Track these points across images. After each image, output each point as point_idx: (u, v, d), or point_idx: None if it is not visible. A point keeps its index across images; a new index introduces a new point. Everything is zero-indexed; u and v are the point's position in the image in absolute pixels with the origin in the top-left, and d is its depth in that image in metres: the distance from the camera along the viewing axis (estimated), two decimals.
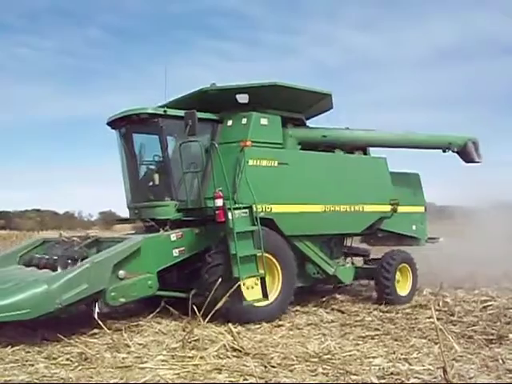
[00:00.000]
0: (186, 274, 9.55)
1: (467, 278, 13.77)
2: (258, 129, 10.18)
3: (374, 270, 11.46)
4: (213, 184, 9.35)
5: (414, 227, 12.59)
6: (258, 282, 9.07)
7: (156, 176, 10.10)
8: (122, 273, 8.28)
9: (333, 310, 10.27)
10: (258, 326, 8.79)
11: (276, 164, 10.05)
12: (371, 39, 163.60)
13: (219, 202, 9.03)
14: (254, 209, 9.19)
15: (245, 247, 8.93)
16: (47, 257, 9.28)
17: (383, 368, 6.27)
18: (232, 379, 5.89)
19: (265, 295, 9.09)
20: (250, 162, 9.68)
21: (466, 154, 13.23)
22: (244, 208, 9.17)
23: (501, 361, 6.50)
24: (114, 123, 10.52)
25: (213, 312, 7.76)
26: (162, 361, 6.60)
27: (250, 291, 9.00)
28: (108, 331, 7.50)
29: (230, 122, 10.34)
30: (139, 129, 10.34)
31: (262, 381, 5.79)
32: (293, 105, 10.97)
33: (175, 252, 9.21)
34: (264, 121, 10.32)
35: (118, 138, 10.71)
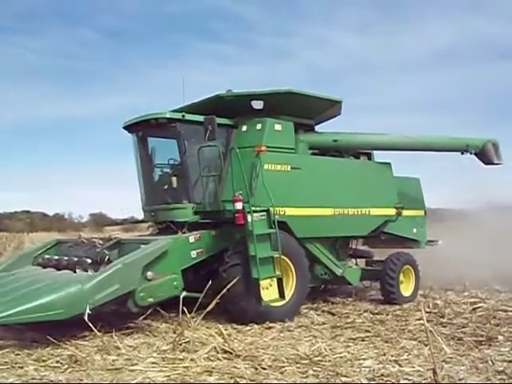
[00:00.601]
0: (202, 276, 9.55)
1: (457, 280, 13.82)
2: (273, 134, 10.47)
3: (379, 271, 11.81)
4: (231, 187, 9.56)
5: (414, 230, 12.88)
6: (274, 283, 9.27)
7: (174, 179, 10.27)
8: (150, 274, 8.46)
9: (323, 312, 10.28)
10: (248, 327, 8.80)
11: (289, 168, 10.34)
12: (366, 42, 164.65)
13: (239, 206, 9.25)
14: (272, 212, 9.44)
15: (263, 249, 9.17)
16: (66, 258, 9.64)
17: (373, 370, 6.29)
18: (222, 381, 5.89)
19: (282, 295, 9.29)
20: (266, 167, 9.93)
21: (484, 155, 13.19)
22: (262, 211, 9.41)
23: (490, 362, 6.53)
24: (131, 127, 10.77)
25: (203, 314, 7.77)
26: (153, 363, 6.59)
27: (266, 292, 9.17)
28: (98, 333, 7.47)
29: (244, 128, 10.63)
30: (157, 133, 10.61)
31: (253, 383, 5.79)
32: (305, 111, 11.33)
33: (193, 253, 9.40)
34: (278, 126, 10.62)
35: (135, 142, 10.96)
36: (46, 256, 10.40)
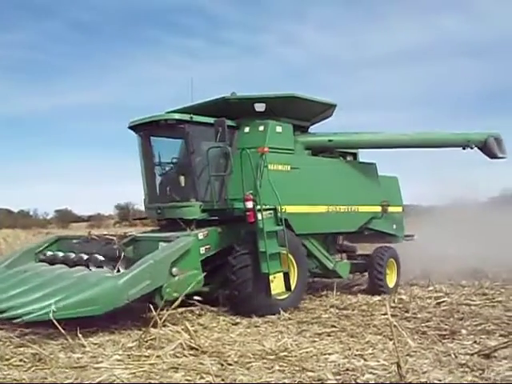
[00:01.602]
0: (208, 271, 9.66)
1: (422, 274, 14.00)
2: (274, 136, 11.00)
3: (366, 264, 12.55)
4: (239, 187, 10.10)
5: (394, 226, 13.48)
6: (277, 277, 9.63)
7: (182, 178, 10.63)
8: (174, 270, 8.74)
9: (290, 307, 10.30)
10: (214, 324, 8.80)
11: (289, 168, 10.90)
12: (336, 39, 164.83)
13: (250, 204, 9.73)
14: (278, 210, 9.93)
15: (271, 245, 9.60)
16: (73, 255, 10.12)
17: (339, 364, 6.34)
18: (188, 378, 5.88)
19: (288, 288, 9.73)
20: (269, 167, 10.32)
21: (488, 150, 13.39)
22: (269, 209, 9.88)
23: (453, 355, 6.61)
24: (137, 127, 11.05)
25: (169, 311, 7.74)
26: (118, 360, 6.55)
27: (271, 285, 9.56)
28: (63, 331, 7.39)
29: (247, 129, 11.09)
30: (165, 133, 10.99)
31: (219, 379, 5.79)
32: (303, 114, 12.02)
33: (202, 250, 9.64)
34: (279, 128, 11.17)
35: (141, 142, 11.25)
36: (49, 252, 10.80)
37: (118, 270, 9.21)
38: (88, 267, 9.59)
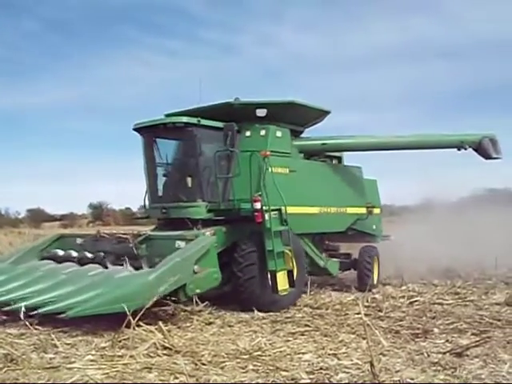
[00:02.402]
0: None
1: (395, 274, 14.11)
2: (274, 140, 11.55)
3: (354, 262, 13.28)
4: (246, 188, 10.55)
5: (374, 227, 14.09)
6: (283, 274, 10.14)
7: (189, 179, 10.93)
8: (196, 267, 8.96)
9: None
10: (188, 324, 8.77)
11: (287, 171, 11.45)
12: (313, 40, 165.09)
13: (258, 205, 10.17)
14: (283, 210, 10.45)
15: (278, 244, 10.08)
16: (86, 253, 10.26)
17: (312, 363, 6.36)
18: (162, 378, 5.85)
19: (292, 285, 10.21)
20: (270, 170, 10.65)
21: (482, 150, 13.52)
22: (275, 210, 10.37)
23: (426, 354, 6.68)
24: (143, 130, 11.37)
25: (143, 310, 7.69)
26: (91, 360, 6.48)
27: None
28: (35, 331, 7.33)
29: (248, 133, 11.56)
30: (172, 136, 11.38)
31: (193, 379, 5.76)
32: (300, 119, 12.69)
33: None
34: (279, 133, 11.74)
35: (146, 144, 11.57)
36: (53, 250, 10.93)
37: (137, 268, 9.38)
38: (102, 265, 9.75)
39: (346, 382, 5.67)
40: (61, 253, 10.74)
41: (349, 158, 14.40)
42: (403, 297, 11.17)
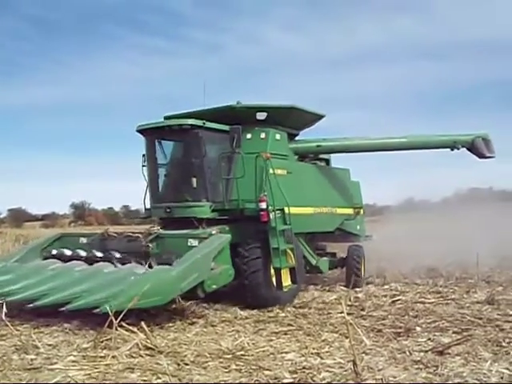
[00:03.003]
0: None
1: (378, 273, 14.18)
2: (274, 143, 12.01)
3: (344, 260, 13.66)
4: (250, 189, 10.96)
5: (358, 227, 14.37)
6: (286, 271, 10.57)
7: (194, 180, 11.16)
8: (213, 264, 9.25)
9: (247, 306, 10.30)
10: (171, 324, 8.75)
11: (285, 173, 11.76)
12: (296, 39, 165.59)
13: (264, 205, 10.56)
14: (286, 210, 10.84)
15: (282, 242, 10.48)
16: (96, 252, 10.47)
17: (295, 363, 6.37)
18: (144, 378, 5.83)
19: (294, 281, 10.68)
20: (271, 171, 11.01)
21: (476, 150, 13.67)
22: (279, 210, 10.73)
23: (408, 353, 6.72)
24: (147, 131, 11.67)
25: (125, 310, 7.66)
26: (73, 361, 6.46)
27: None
28: (16, 332, 7.27)
29: (248, 135, 11.85)
30: (177, 138, 11.73)
31: (175, 379, 5.75)
32: (297, 123, 13.18)
33: None
34: (278, 136, 12.22)
35: (150, 145, 11.88)
36: (54, 250, 11.10)
37: (150, 266, 9.55)
38: (113, 263, 9.98)
39: (329, 380, 5.67)
40: (67, 252, 10.91)
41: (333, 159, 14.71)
42: (386, 296, 11.23)
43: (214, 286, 9.20)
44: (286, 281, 10.55)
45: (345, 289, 12.30)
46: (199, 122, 11.04)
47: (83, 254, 10.67)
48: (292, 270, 10.67)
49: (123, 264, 9.89)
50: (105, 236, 10.91)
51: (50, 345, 7.31)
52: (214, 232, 10.14)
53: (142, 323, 7.69)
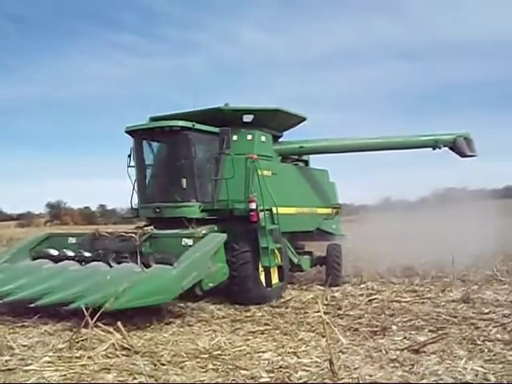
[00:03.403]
0: None
1: (354, 273, 14.24)
2: (260, 144, 12.30)
3: (323, 259, 13.85)
4: (238, 189, 11.27)
5: (334, 226, 14.56)
6: (274, 269, 11.09)
7: (183, 180, 11.29)
8: (210, 263, 9.42)
9: (224, 306, 10.29)
10: (147, 324, 8.70)
11: (270, 174, 11.97)
12: (273, 39, 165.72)
13: (253, 205, 10.94)
14: (274, 210, 11.29)
15: (271, 242, 10.87)
16: (87, 252, 10.53)
17: (272, 362, 6.38)
18: (121, 378, 5.81)
19: (281, 279, 11.31)
20: (259, 172, 11.33)
21: (457, 149, 13.84)
22: (267, 210, 11.12)
23: (384, 351, 6.76)
24: (136, 132, 11.80)
25: (100, 312, 7.62)
26: (48, 362, 6.40)
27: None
28: None
29: (235, 137, 12.02)
30: (166, 139, 11.79)
31: (152, 379, 5.74)
32: (281, 125, 13.48)
33: None
34: (263, 138, 12.53)
35: (138, 146, 12.00)
36: (47, 249, 10.97)
37: (147, 266, 9.55)
38: (105, 263, 10.00)
39: (306, 380, 5.69)
40: (57, 252, 10.84)
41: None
42: (362, 295, 11.28)
43: (211, 284, 9.36)
44: (275, 279, 11.04)
45: (322, 288, 12.33)
46: (189, 124, 11.19)
47: (73, 253, 10.65)
48: (280, 269, 11.16)
49: (118, 263, 9.91)
50: (96, 236, 10.91)
51: (24, 345, 7.24)
52: (204, 232, 10.32)
53: (119, 323, 7.64)
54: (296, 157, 14.27)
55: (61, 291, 8.85)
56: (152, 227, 10.94)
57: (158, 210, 11.45)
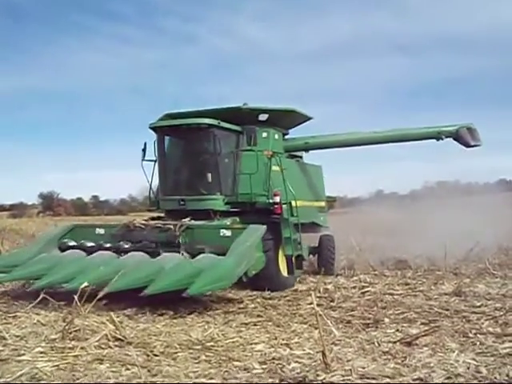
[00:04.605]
0: None
1: (347, 265, 14.27)
2: (274, 142, 13.15)
3: (317, 248, 14.24)
4: (264, 183, 12.09)
5: (322, 218, 14.92)
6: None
7: (209, 175, 11.97)
8: (255, 252, 10.07)
9: (217, 297, 10.30)
10: (140, 315, 8.72)
11: (283, 169, 12.44)
12: (269, 32, 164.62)
13: (278, 199, 11.75)
14: (292, 204, 12.15)
15: (293, 232, 11.78)
16: (125, 243, 10.81)
17: (265, 353, 6.40)
18: (113, 369, 5.81)
19: (300, 267, 12.17)
20: (274, 168, 12.17)
21: (461, 139, 14.10)
22: (287, 203, 11.98)
23: (376, 343, 6.78)
24: (162, 128, 12.44)
25: (94, 301, 7.62)
26: (41, 353, 6.40)
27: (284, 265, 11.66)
28: None
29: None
30: (192, 135, 12.19)
31: (144, 370, 5.74)
32: (291, 124, 14.31)
33: None
34: (276, 136, 13.42)
35: (163, 141, 12.56)
36: (73, 241, 11.26)
37: (193, 255, 9.97)
38: (147, 253, 10.26)
39: (298, 371, 5.70)
40: (90, 243, 11.05)
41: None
42: (355, 287, 11.30)
43: (254, 272, 9.92)
44: (296, 267, 11.81)
45: (314, 280, 12.37)
46: (215, 122, 11.84)
47: (108, 244, 10.89)
48: (298, 257, 11.86)
49: (159, 254, 10.18)
50: (131, 227, 11.20)
51: (17, 336, 7.22)
52: (228, 223, 11.26)
53: (112, 314, 7.66)
54: (305, 152, 15.07)
55: (127, 277, 9.06)
56: (189, 218, 11.26)
57: (182, 203, 12.00)
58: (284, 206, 11.77)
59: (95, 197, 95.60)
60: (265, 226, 10.62)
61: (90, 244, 11.02)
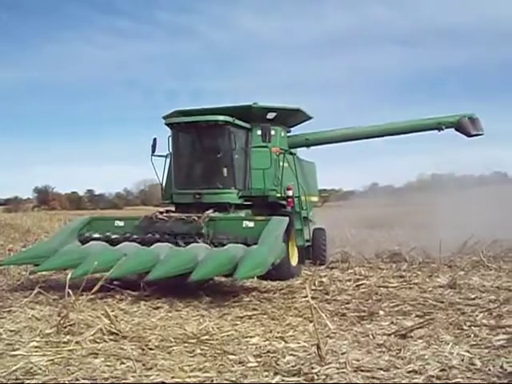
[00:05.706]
0: None
1: (342, 258, 14.28)
2: (281, 139, 13.97)
3: (310, 241, 14.56)
4: (276, 178, 12.93)
5: (310, 213, 15.22)
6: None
7: (224, 169, 12.51)
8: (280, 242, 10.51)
9: (212, 291, 10.29)
10: (135, 308, 8.70)
11: (287, 165, 13.39)
12: (265, 24, 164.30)
13: (291, 193, 12.84)
14: (301, 198, 13.36)
15: (303, 224, 12.93)
16: (151, 234, 11.11)
17: (260, 347, 6.39)
18: (109, 363, 5.79)
19: (308, 258, 13.45)
20: (286, 164, 13.02)
21: (462, 129, 14.43)
22: (297, 197, 13.14)
23: (371, 336, 6.79)
24: (178, 124, 12.78)
25: (88, 296, 7.60)
26: (35, 347, 6.37)
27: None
28: None
29: (259, 132, 12.94)
30: (208, 132, 12.73)
31: (140, 364, 5.73)
32: (294, 122, 15.07)
33: None
34: (283, 133, 14.27)
35: (178, 137, 13.05)
36: (96, 233, 11.46)
37: (215, 246, 10.44)
38: (173, 244, 10.60)
39: (293, 364, 5.71)
40: (114, 236, 11.26)
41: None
42: (350, 280, 11.30)
43: (278, 261, 10.07)
44: (306, 256, 12.87)
45: (309, 273, 12.36)
46: (230, 119, 12.38)
47: (136, 236, 11.12)
48: (308, 248, 13.00)
49: (186, 244, 10.51)
50: (154, 220, 11.44)
51: (12, 331, 7.20)
52: (243, 215, 11.90)
53: (106, 308, 7.66)
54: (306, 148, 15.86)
55: (167, 265, 9.42)
56: (212, 210, 11.58)
57: (197, 196, 12.45)
58: (296, 199, 12.78)
59: (90, 191, 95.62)
60: (287, 218, 10.97)
61: (114, 236, 11.23)
